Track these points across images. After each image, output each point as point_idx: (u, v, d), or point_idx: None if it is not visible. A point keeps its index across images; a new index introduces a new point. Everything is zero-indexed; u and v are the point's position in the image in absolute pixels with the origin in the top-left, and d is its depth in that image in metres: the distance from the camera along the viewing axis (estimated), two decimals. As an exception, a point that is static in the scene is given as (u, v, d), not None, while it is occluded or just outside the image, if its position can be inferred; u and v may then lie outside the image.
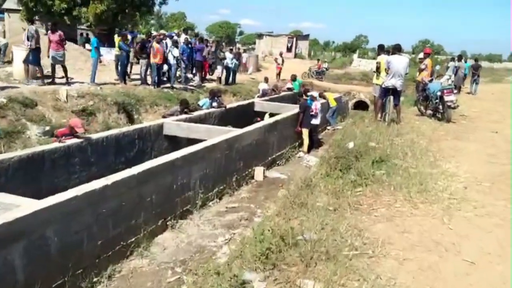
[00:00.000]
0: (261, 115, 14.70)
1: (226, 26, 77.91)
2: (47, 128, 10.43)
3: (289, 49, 51.72)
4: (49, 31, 13.51)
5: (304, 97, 13.48)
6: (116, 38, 14.08)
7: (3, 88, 11.03)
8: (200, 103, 12.21)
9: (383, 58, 10.94)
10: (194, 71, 19.45)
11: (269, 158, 11.01)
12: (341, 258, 3.53)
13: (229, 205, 8.28)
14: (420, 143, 7.57)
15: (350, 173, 6.00)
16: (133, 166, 6.54)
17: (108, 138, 8.12)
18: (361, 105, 27.10)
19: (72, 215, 4.83)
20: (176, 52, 15.31)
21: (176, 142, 9.92)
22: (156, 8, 33.11)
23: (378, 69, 11.31)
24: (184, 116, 10.68)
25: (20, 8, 27.39)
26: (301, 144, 13.14)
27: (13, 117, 10.19)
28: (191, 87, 17.17)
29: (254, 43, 60.95)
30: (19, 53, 12.60)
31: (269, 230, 4.13)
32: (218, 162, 8.28)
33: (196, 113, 11.39)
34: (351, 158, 6.81)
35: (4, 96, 10.48)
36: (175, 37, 18.45)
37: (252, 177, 10.06)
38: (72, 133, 7.45)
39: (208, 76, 20.72)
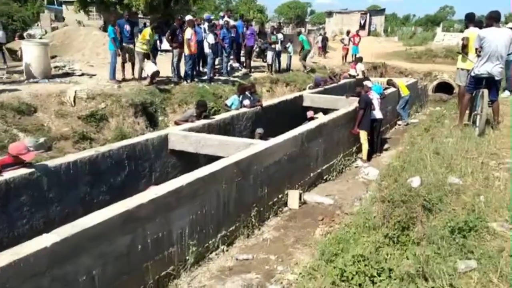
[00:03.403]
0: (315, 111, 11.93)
1: (296, 6, 74.27)
2: (41, 140, 8.61)
3: (362, 27, 47.37)
4: None
5: (366, 86, 10.51)
6: (146, 30, 11.86)
7: (-3, 92, 9.44)
8: (228, 102, 9.81)
9: (472, 33, 7.73)
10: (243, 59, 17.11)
11: (311, 175, 8.38)
12: None
13: (240, 255, 5.86)
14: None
15: (409, 250, 3.30)
16: (124, 197, 4.62)
17: (78, 163, 6.02)
18: (444, 88, 23.09)
19: None
20: (211, 38, 12.98)
21: (188, 160, 7.67)
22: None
23: (464, 48, 8.12)
24: (201, 122, 8.36)
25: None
26: (359, 149, 10.34)
27: (1, 127, 8.53)
28: (234, 79, 14.80)
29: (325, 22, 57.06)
30: (28, 49, 11.02)
31: None
32: (225, 195, 5.87)
33: (219, 117, 9.03)
34: (415, 208, 4.06)
35: (-6, 103, 8.86)
36: (222, 21, 16.13)
37: (285, 204, 7.55)
38: (18, 162, 5.44)
39: (258, 63, 18.27)
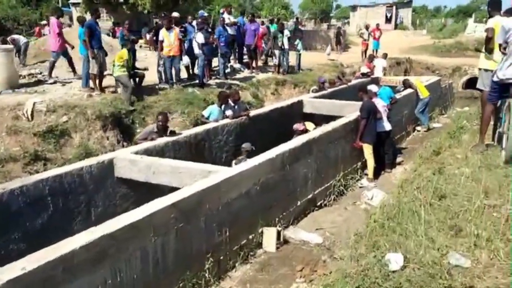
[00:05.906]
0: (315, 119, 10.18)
1: (320, 1, 71.94)
2: (-22, 165, 7.44)
3: (388, 20, 45.06)
4: None
5: (370, 92, 8.82)
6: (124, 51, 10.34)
7: None
8: (205, 113, 8.32)
9: (498, 23, 5.94)
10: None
11: (298, 203, 6.83)
12: None
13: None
14: None
15: None
16: (49, 243, 3.52)
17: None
18: (476, 83, 20.91)
19: None
20: (200, 37, 11.53)
21: (145, 187, 6.22)
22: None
23: (488, 42, 6.29)
24: (163, 140, 6.91)
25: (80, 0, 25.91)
26: (366, 165, 8.69)
27: None
28: (233, 81, 13.32)
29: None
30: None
31: None
32: (157, 249, 4.41)
33: (189, 132, 7.57)
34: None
35: None
36: (226, 18, 14.55)
37: (260, 244, 6.03)
38: None
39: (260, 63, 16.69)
